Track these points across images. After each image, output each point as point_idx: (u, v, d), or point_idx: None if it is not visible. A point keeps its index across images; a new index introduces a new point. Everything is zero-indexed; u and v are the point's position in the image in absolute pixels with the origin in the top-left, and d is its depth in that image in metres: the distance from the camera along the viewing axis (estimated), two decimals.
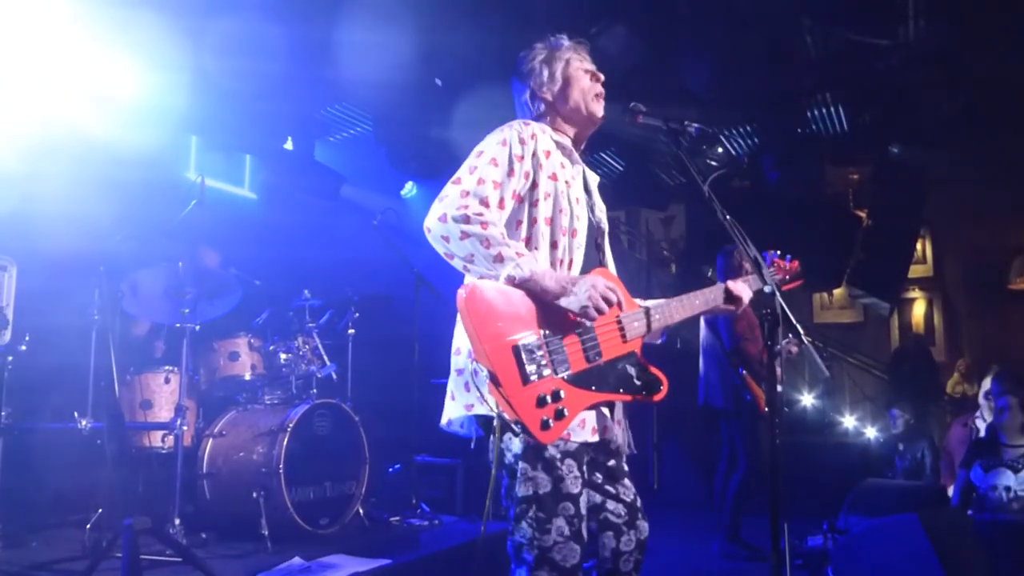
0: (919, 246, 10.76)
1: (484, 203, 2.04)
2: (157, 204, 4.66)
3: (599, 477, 2.23)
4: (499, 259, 1.98)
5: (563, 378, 1.99)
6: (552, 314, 2.02)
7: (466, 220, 1.99)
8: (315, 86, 6.29)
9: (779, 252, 2.73)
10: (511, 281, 1.98)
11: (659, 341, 2.42)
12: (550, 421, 1.92)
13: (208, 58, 5.12)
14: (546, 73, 2.36)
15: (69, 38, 4.49)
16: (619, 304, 2.09)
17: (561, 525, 2.00)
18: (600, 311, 2.02)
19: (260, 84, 5.74)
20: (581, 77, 2.37)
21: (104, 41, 4.60)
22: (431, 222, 2.04)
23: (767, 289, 2.16)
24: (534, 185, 2.18)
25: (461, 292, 1.97)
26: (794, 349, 4.83)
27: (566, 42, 2.42)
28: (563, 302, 2.01)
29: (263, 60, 5.36)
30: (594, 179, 2.43)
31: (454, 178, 2.10)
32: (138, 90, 5.04)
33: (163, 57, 4.92)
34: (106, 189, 4.58)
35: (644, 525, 2.26)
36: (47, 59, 4.50)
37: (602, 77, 2.41)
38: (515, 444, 2.05)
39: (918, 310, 11.44)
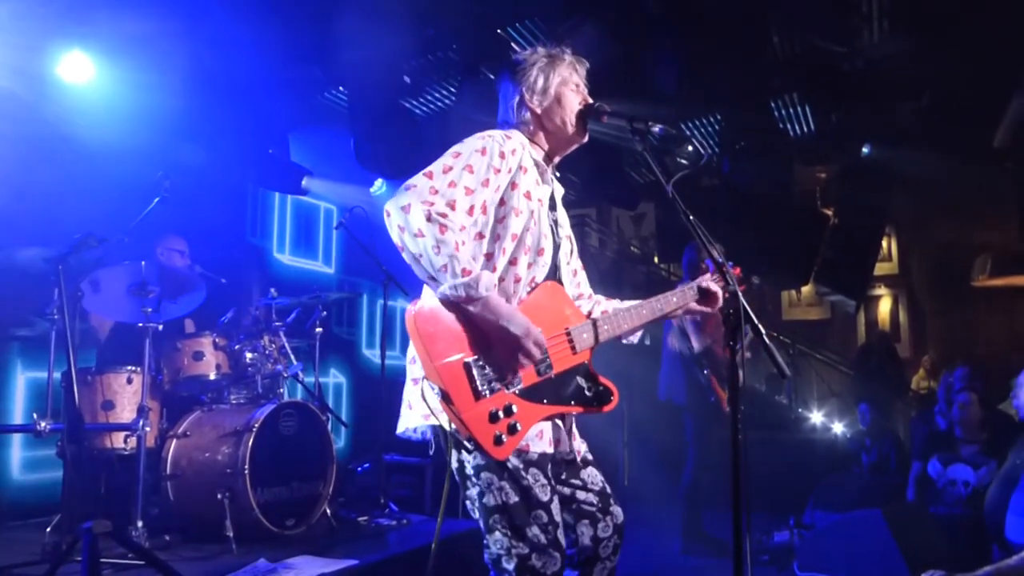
0: (885, 244, 10.93)
1: (451, 206, 1.97)
2: (120, 200, 4.57)
3: (563, 475, 2.22)
4: (444, 269, 1.90)
5: (515, 392, 1.98)
6: (498, 331, 1.97)
7: (427, 218, 1.92)
8: (286, 82, 6.23)
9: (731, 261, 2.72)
10: (445, 298, 1.92)
11: (634, 340, 2.41)
12: (503, 436, 1.92)
13: (176, 52, 5.04)
14: (540, 83, 2.29)
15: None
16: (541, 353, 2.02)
17: (536, 533, 1.98)
18: (529, 360, 1.98)
19: (230, 79, 5.67)
20: (572, 99, 2.31)
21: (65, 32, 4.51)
22: (393, 208, 1.95)
23: (730, 289, 2.17)
24: (502, 201, 2.12)
25: (410, 312, 1.96)
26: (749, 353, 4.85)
27: (568, 56, 2.35)
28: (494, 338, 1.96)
29: (233, 55, 5.29)
30: (560, 192, 2.39)
31: (426, 171, 2.03)
32: (101, 83, 4.95)
33: (127, 51, 4.84)
34: (67, 183, 4.49)
35: (618, 510, 2.25)
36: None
37: (591, 102, 2.34)
38: (477, 455, 2.01)
39: (884, 307, 11.62)
